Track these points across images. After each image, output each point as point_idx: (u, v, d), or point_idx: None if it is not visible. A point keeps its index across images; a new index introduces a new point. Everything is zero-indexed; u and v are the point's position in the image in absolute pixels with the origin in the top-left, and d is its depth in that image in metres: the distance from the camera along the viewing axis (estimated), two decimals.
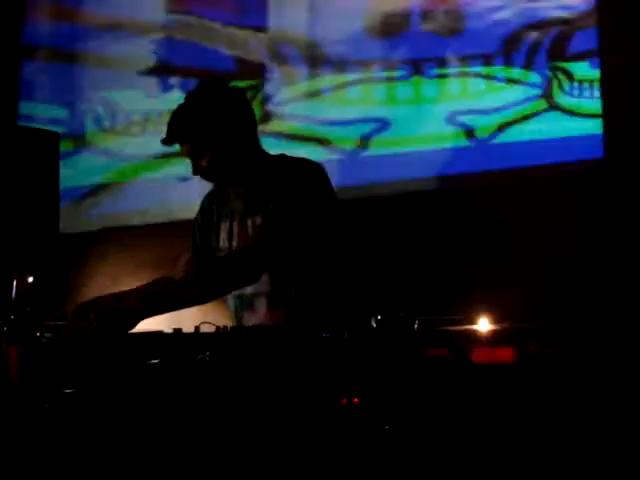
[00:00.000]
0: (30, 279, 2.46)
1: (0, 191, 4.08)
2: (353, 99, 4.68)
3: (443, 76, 4.53)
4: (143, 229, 4.75)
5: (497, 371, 2.52)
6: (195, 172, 2.68)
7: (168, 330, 2.46)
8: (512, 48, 4.45)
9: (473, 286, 3.59)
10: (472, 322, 2.68)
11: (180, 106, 2.67)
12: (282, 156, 2.76)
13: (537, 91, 4.39)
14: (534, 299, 3.54)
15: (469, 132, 4.46)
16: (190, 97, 2.68)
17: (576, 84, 4.36)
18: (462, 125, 4.46)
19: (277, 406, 2.30)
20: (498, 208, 3.94)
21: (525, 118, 4.38)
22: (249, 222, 2.69)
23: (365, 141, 4.61)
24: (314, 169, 2.67)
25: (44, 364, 2.27)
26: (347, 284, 2.70)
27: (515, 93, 4.43)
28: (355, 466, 2.32)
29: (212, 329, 2.52)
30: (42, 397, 2.22)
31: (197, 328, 2.54)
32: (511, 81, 4.45)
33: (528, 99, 4.41)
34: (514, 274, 3.72)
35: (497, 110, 4.43)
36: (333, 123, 4.67)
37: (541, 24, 4.40)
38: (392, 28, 4.61)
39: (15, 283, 2.42)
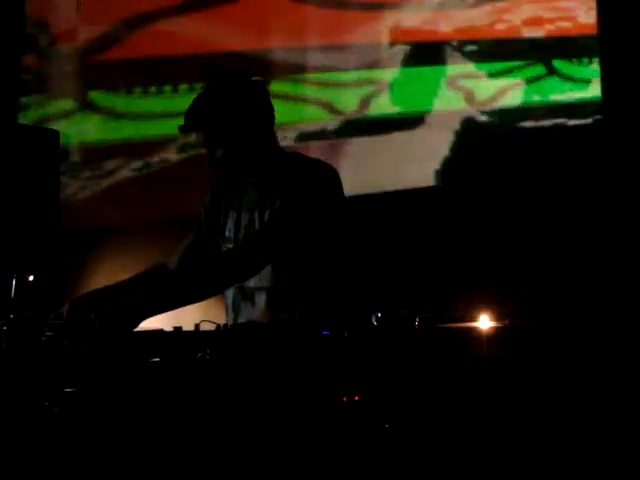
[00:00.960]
0: (30, 277, 2.45)
1: (0, 189, 4.08)
2: None
3: None
4: (145, 226, 4.75)
5: (496, 368, 2.52)
6: (210, 162, 2.68)
7: (168, 328, 2.46)
8: None
9: (474, 283, 3.59)
10: (472, 320, 2.69)
11: (199, 95, 2.67)
12: (296, 154, 2.76)
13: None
14: (534, 295, 3.54)
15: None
16: (210, 86, 2.68)
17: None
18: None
19: (278, 404, 2.30)
20: (498, 204, 3.94)
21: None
22: (256, 215, 2.68)
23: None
24: (326, 171, 2.67)
25: (44, 363, 2.27)
26: (348, 281, 2.70)
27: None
28: (355, 464, 2.31)
29: (212, 327, 2.53)
30: (42, 396, 2.21)
31: (197, 326, 2.54)
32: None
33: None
34: (514, 271, 3.72)
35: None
36: None
37: None
38: None
39: (14, 281, 2.41)
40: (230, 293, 2.73)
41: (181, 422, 2.25)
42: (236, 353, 2.32)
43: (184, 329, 2.44)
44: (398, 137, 4.61)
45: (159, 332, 2.45)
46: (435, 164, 4.46)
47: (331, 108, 4.75)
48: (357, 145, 4.68)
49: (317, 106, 4.77)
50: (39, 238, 4.14)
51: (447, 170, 4.42)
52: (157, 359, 2.31)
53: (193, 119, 2.64)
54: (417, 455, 2.45)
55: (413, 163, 4.46)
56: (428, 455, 2.48)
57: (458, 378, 2.61)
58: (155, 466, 2.24)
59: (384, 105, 4.71)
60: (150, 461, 2.23)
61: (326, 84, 4.76)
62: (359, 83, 4.76)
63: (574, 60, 4.48)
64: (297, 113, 4.76)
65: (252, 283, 2.65)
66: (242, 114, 2.64)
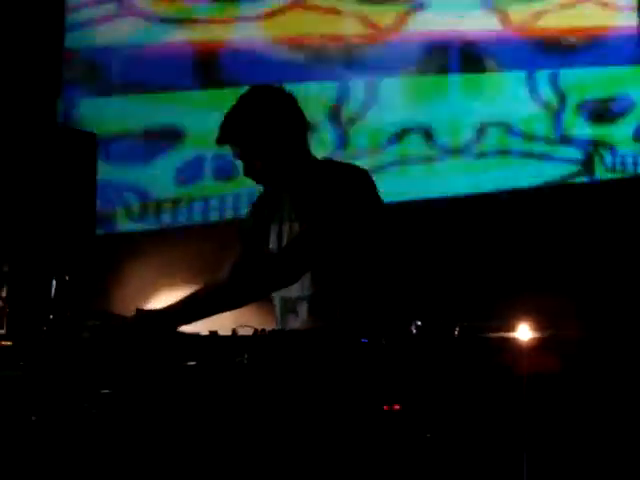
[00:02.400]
0: (68, 279, 2.45)
1: (38, 192, 4.09)
2: None
3: None
4: (178, 230, 4.75)
5: (540, 380, 2.49)
6: (246, 173, 2.72)
7: (204, 332, 2.45)
8: None
9: (515, 293, 3.55)
10: (512, 329, 2.65)
11: (233, 107, 2.70)
12: (329, 161, 2.80)
13: None
14: (578, 307, 3.48)
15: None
16: (242, 100, 2.71)
17: None
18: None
19: (316, 411, 2.28)
20: (542, 215, 3.90)
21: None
22: (296, 226, 2.69)
23: None
24: (360, 175, 2.68)
25: (83, 364, 2.27)
26: (388, 290, 2.68)
27: None
28: (396, 473, 2.29)
29: (250, 332, 2.52)
30: (81, 397, 2.21)
31: (235, 331, 2.53)
32: None
33: None
34: (559, 279, 3.67)
35: None
36: None
37: None
38: None
39: (54, 283, 2.41)
40: (277, 305, 2.75)
41: (218, 426, 2.24)
42: (274, 359, 2.31)
43: (221, 333, 2.43)
44: None
45: (195, 336, 2.44)
46: None
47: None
48: None
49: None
50: (76, 241, 4.15)
51: None
52: (194, 363, 2.31)
53: (228, 132, 2.69)
54: (457, 464, 2.42)
55: None
56: (470, 466, 2.45)
57: (497, 388, 2.58)
58: (192, 468, 2.23)
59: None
60: (187, 464, 2.22)
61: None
62: None
63: None
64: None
65: (294, 293, 2.67)
66: (276, 127, 2.68)
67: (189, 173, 4.68)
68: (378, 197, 2.70)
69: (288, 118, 2.71)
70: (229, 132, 2.69)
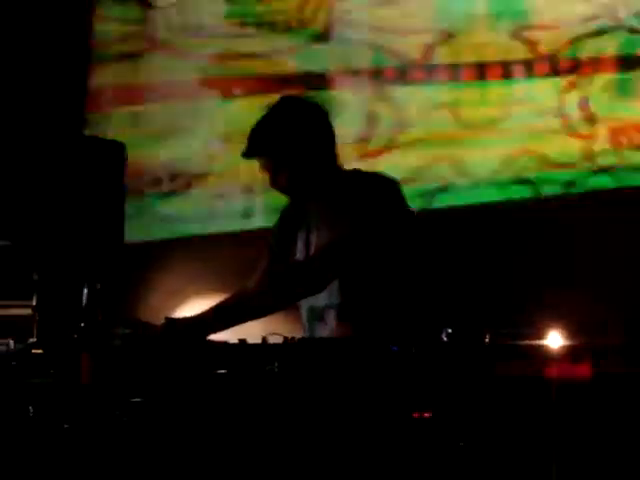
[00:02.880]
0: (99, 287, 2.46)
1: (67, 201, 4.11)
2: None
3: None
4: (207, 239, 4.76)
5: (572, 389, 2.46)
6: (272, 185, 2.71)
7: (233, 341, 2.45)
8: None
9: (546, 299, 3.52)
10: (543, 337, 2.63)
11: (260, 120, 2.69)
12: (356, 171, 2.78)
13: None
14: (610, 313, 3.44)
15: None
16: (270, 112, 2.70)
17: None
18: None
19: (347, 419, 2.27)
20: (574, 220, 3.85)
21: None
22: (324, 235, 2.69)
23: None
24: (388, 184, 2.68)
25: (114, 371, 2.27)
26: (417, 298, 2.68)
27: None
28: None
29: (280, 340, 2.51)
30: (112, 405, 2.22)
31: (264, 339, 2.53)
32: None
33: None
34: (589, 288, 3.63)
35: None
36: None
37: None
38: None
39: (85, 291, 2.42)
40: (304, 313, 2.75)
41: (249, 434, 2.24)
42: (304, 367, 2.31)
43: (250, 342, 2.43)
44: None
45: (225, 344, 2.44)
46: None
47: None
48: None
49: None
50: (105, 249, 4.17)
51: None
52: (224, 371, 2.31)
53: (256, 145, 2.68)
54: (487, 473, 2.40)
55: None
56: (498, 474, 2.43)
57: (527, 396, 2.55)
58: (222, 477, 2.23)
59: None
60: (217, 472, 2.22)
61: None
62: None
63: None
64: None
65: (322, 302, 2.66)
66: (303, 137, 2.67)
67: None
68: (406, 204, 2.69)
69: (317, 129, 2.70)
70: (258, 144, 2.68)
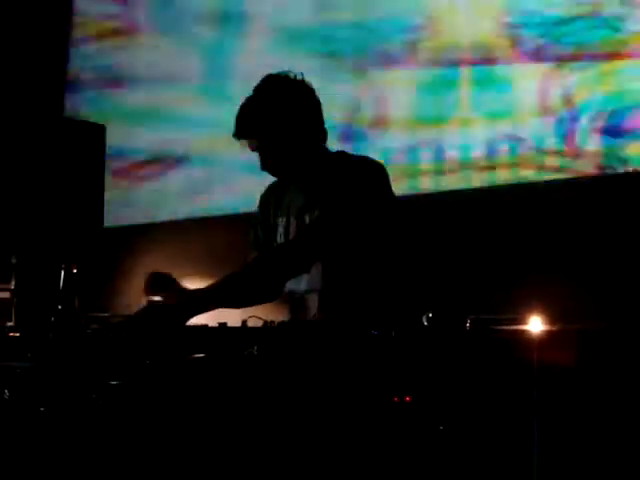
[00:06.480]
0: (76, 270, 2.44)
1: (46, 184, 4.09)
2: None
3: None
4: (188, 222, 4.73)
5: (555, 374, 2.46)
6: (263, 167, 2.67)
7: (213, 324, 2.44)
8: None
9: (527, 284, 3.50)
10: (524, 322, 2.63)
11: (247, 100, 2.66)
12: (342, 153, 2.74)
13: None
14: (592, 299, 3.43)
15: None
16: (256, 91, 2.66)
17: None
18: None
19: (326, 403, 2.26)
20: (556, 205, 3.84)
21: None
22: (306, 218, 2.67)
23: None
24: (374, 167, 2.65)
25: (91, 355, 2.25)
26: (398, 282, 2.66)
27: None
28: (407, 465, 2.27)
29: (259, 323, 2.50)
30: (89, 388, 2.20)
31: (244, 322, 2.51)
32: None
33: None
34: (569, 271, 3.61)
35: None
36: None
37: None
38: None
39: (63, 273, 2.40)
40: (286, 298, 2.72)
41: (228, 418, 2.22)
42: (284, 350, 2.30)
43: (230, 325, 2.41)
44: None
45: (204, 328, 2.42)
46: None
47: None
48: None
49: None
50: (84, 233, 4.15)
51: None
52: (203, 355, 2.29)
53: (243, 125, 2.64)
54: (468, 457, 2.40)
55: None
56: (479, 457, 2.43)
57: (508, 381, 2.55)
58: (200, 461, 2.21)
59: None
60: (195, 456, 2.21)
61: None
62: None
63: None
64: None
65: (303, 287, 2.65)
66: (291, 116, 2.63)
67: None
68: (391, 189, 2.67)
69: (305, 108, 2.66)
70: (245, 126, 2.64)
